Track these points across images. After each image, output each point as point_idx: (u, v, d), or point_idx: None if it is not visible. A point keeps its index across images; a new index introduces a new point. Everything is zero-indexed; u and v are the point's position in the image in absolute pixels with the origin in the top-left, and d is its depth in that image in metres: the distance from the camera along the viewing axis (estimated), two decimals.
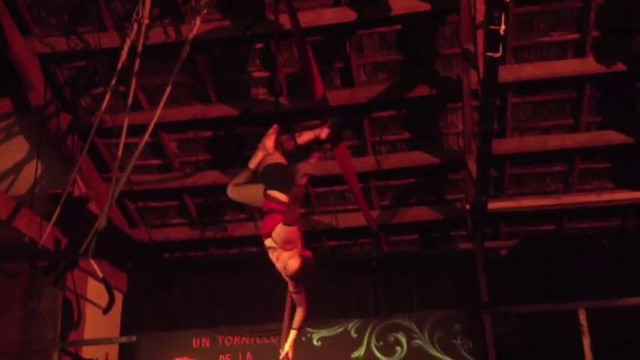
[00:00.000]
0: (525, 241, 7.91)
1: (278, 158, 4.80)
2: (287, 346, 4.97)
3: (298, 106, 6.87)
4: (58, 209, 6.04)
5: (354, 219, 7.86)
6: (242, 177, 4.87)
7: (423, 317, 6.80)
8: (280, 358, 4.97)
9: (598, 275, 7.26)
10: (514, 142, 7.25)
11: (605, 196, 7.52)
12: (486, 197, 6.39)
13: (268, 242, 4.52)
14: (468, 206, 7.21)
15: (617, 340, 6.84)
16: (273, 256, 4.51)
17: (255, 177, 4.82)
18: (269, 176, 4.68)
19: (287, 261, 4.40)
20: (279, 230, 4.38)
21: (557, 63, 6.62)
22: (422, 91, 6.80)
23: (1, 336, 7.14)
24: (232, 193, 4.91)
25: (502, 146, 7.09)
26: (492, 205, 6.91)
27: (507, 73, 6.47)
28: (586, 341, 6.37)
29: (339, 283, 7.82)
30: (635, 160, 7.29)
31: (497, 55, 4.49)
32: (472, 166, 6.53)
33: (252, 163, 4.86)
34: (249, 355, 6.78)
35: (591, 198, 7.56)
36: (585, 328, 6.39)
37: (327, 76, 6.80)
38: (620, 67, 6.48)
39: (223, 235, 8.28)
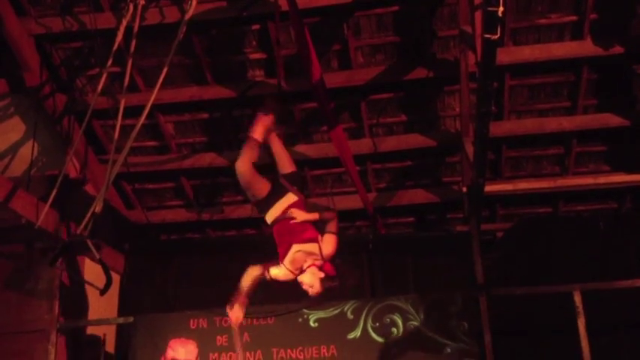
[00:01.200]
0: (521, 224, 7.94)
1: None
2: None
3: (295, 88, 6.85)
4: (55, 191, 6.04)
5: (350, 201, 7.86)
6: (250, 153, 4.71)
7: (419, 299, 6.85)
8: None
9: (594, 258, 7.31)
10: (511, 125, 7.25)
11: (602, 179, 7.53)
12: (483, 180, 6.40)
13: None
14: (464, 189, 7.23)
15: (613, 321, 6.90)
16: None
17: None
18: None
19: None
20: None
21: (555, 45, 6.61)
22: (419, 73, 6.79)
23: None
24: (243, 169, 4.70)
25: (499, 129, 7.09)
26: (489, 188, 6.92)
27: (505, 56, 6.45)
28: (581, 323, 6.42)
29: (336, 265, 7.84)
30: (632, 143, 7.30)
31: (496, 37, 4.48)
32: (469, 149, 6.54)
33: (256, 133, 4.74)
34: (246, 335, 6.81)
35: (588, 181, 7.58)
36: (580, 310, 6.44)
37: (325, 58, 6.78)
38: (617, 49, 6.47)
39: (220, 217, 8.29)
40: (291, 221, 4.52)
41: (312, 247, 4.43)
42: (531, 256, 7.56)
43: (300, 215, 4.51)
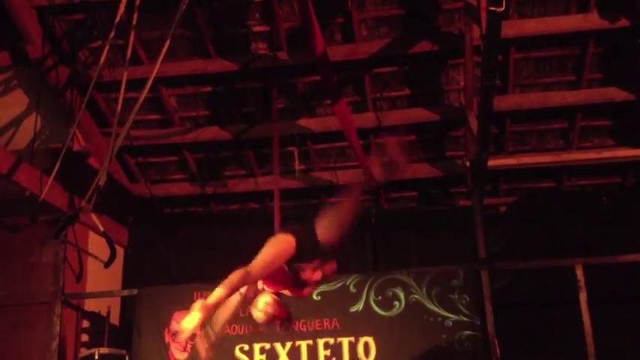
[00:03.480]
0: (525, 198, 7.94)
1: None
2: None
3: (298, 61, 6.81)
4: (58, 163, 6.06)
5: (353, 175, 7.86)
6: None
7: (421, 272, 6.88)
8: None
9: (597, 233, 7.32)
10: (515, 99, 7.21)
11: (606, 154, 7.50)
12: (487, 154, 6.40)
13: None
14: (468, 163, 7.22)
15: (614, 296, 6.93)
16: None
17: None
18: None
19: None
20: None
21: (561, 18, 6.54)
22: (424, 46, 6.74)
23: (3, 289, 7.21)
24: None
25: (503, 103, 7.05)
26: (492, 162, 6.92)
27: (510, 29, 6.39)
28: (583, 297, 6.45)
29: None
30: (637, 118, 7.26)
31: (501, 9, 4.43)
32: (473, 123, 6.52)
33: None
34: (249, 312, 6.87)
35: (592, 155, 7.55)
36: (582, 284, 6.46)
37: (328, 30, 6.73)
38: (624, 22, 6.40)
39: (223, 190, 8.30)
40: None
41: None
42: (534, 230, 7.57)
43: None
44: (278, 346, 6.82)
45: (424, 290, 6.80)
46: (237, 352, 6.83)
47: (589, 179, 8.05)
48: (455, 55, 6.83)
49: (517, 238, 7.59)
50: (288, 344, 6.81)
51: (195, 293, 7.02)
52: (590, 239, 7.23)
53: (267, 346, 6.82)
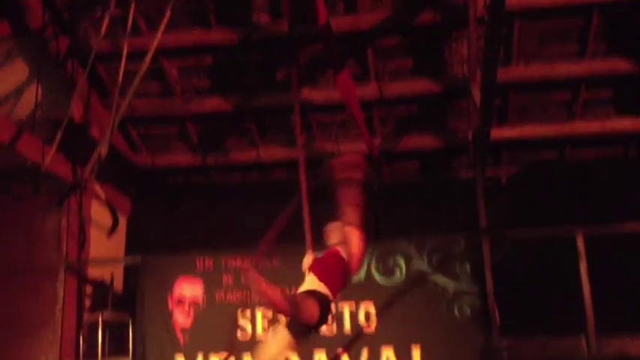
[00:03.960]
0: (527, 170, 7.94)
1: None
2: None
3: (300, 32, 6.76)
4: (60, 133, 6.07)
5: (355, 147, 7.85)
6: None
7: (423, 241, 6.90)
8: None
9: (599, 204, 7.32)
10: (519, 70, 7.16)
11: (609, 125, 7.50)
12: (489, 125, 6.38)
13: None
14: (470, 134, 7.21)
15: (615, 266, 6.97)
16: None
17: None
18: None
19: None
20: None
21: None
22: (427, 17, 6.67)
23: (6, 257, 7.25)
24: None
25: (507, 74, 7.00)
26: (495, 134, 6.90)
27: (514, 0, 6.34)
28: (583, 267, 6.48)
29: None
30: None
31: None
32: (476, 94, 6.49)
33: None
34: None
35: (595, 126, 7.54)
36: (583, 254, 6.48)
37: (330, 0, 6.66)
38: None
39: (225, 161, 8.31)
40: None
41: None
42: (536, 202, 7.59)
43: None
44: None
45: (425, 258, 6.83)
46: (240, 318, 6.90)
47: (591, 150, 8.04)
48: (458, 26, 6.77)
49: (518, 210, 7.61)
50: None
51: (197, 261, 7.09)
52: (591, 210, 7.24)
53: (269, 312, 6.89)
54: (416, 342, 6.62)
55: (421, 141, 7.90)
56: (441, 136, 7.88)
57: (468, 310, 6.63)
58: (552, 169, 7.94)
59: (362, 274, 6.87)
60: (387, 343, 6.65)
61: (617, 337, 6.41)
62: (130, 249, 8.11)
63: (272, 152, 8.13)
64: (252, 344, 6.59)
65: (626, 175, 7.62)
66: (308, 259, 4.69)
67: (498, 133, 7.25)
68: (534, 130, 7.60)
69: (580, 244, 6.55)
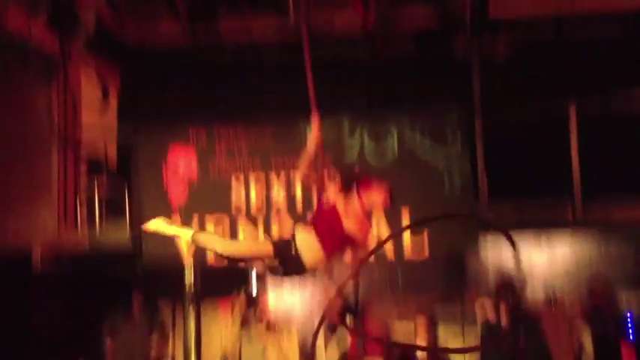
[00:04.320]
0: (524, 50, 7.81)
1: None
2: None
3: None
4: (46, 6, 5.90)
5: (350, 23, 7.67)
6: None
7: (416, 111, 6.92)
8: None
9: (594, 85, 7.28)
10: None
11: (609, 4, 7.32)
12: (487, 2, 6.19)
13: None
14: (468, 11, 7.03)
15: (604, 137, 7.07)
16: None
17: None
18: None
19: None
20: None
21: None
22: None
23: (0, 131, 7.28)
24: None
25: None
26: (493, 13, 6.73)
27: None
28: (573, 137, 6.56)
29: (333, 83, 7.85)
30: None
31: None
32: None
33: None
34: (243, 145, 7.04)
35: (595, 5, 7.36)
36: (574, 125, 6.55)
37: None
38: None
39: (216, 33, 8.12)
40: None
41: None
42: (532, 82, 7.54)
43: None
44: (272, 175, 7.02)
45: (418, 127, 6.87)
46: (233, 183, 7.05)
47: (590, 30, 7.87)
48: None
49: (514, 90, 7.57)
50: (283, 173, 6.99)
51: (191, 128, 7.14)
52: (586, 91, 7.20)
53: (262, 175, 7.01)
54: (405, 204, 6.74)
55: (417, 17, 7.68)
56: (438, 13, 7.63)
57: (458, 179, 6.75)
58: (550, 49, 7.81)
59: (354, 153, 6.93)
60: None
61: (601, 201, 6.59)
62: (121, 122, 8.07)
63: (263, 24, 7.94)
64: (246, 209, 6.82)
65: (624, 56, 7.53)
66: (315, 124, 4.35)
67: (497, 11, 7.06)
68: (533, 8, 7.39)
69: (572, 115, 6.59)
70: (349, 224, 3.90)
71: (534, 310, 6.94)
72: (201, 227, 6.97)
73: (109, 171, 7.35)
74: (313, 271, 3.99)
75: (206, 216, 7.08)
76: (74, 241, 7.17)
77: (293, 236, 3.91)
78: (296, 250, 3.87)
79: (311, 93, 4.49)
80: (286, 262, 3.91)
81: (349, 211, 3.91)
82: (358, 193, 3.93)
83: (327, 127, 6.77)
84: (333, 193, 3.98)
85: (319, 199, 4.13)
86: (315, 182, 4.28)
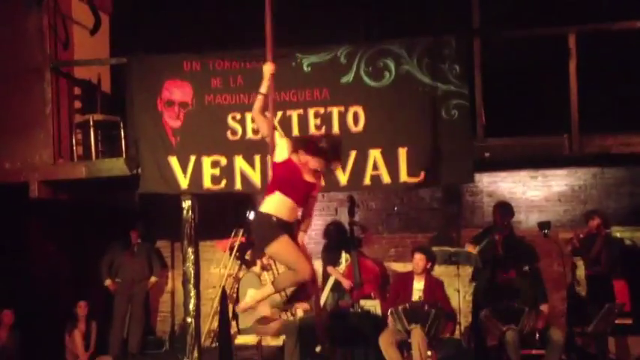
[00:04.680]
0: None
1: None
2: None
3: None
4: None
5: None
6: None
7: (413, 43, 6.75)
8: None
9: (596, 11, 7.12)
10: None
11: None
12: None
13: None
14: None
15: (603, 67, 6.95)
16: None
17: None
18: None
19: None
20: None
21: None
22: None
23: None
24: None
25: None
26: None
27: None
28: (572, 64, 6.45)
29: (330, 10, 7.69)
30: None
31: None
32: None
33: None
34: (239, 79, 6.86)
35: None
36: (573, 52, 6.42)
37: None
38: None
39: None
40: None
41: None
42: (531, 10, 7.38)
43: None
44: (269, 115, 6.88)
45: (415, 60, 6.72)
46: (230, 121, 6.93)
47: None
48: None
49: (513, 13, 7.42)
50: (279, 113, 6.77)
51: (184, 63, 6.97)
52: (588, 17, 7.05)
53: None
54: (402, 145, 6.65)
55: None
56: None
57: (455, 112, 6.62)
58: None
59: (351, 76, 6.78)
60: (374, 145, 6.67)
61: (599, 134, 6.52)
62: (114, 51, 7.96)
63: None
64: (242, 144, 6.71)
65: None
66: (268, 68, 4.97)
67: None
68: None
69: (571, 42, 6.47)
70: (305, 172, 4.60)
71: (529, 242, 6.94)
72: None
73: (103, 104, 7.22)
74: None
75: (202, 157, 6.91)
76: (70, 168, 7.10)
77: None
78: None
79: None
80: None
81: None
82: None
83: (323, 64, 6.73)
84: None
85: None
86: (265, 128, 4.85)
